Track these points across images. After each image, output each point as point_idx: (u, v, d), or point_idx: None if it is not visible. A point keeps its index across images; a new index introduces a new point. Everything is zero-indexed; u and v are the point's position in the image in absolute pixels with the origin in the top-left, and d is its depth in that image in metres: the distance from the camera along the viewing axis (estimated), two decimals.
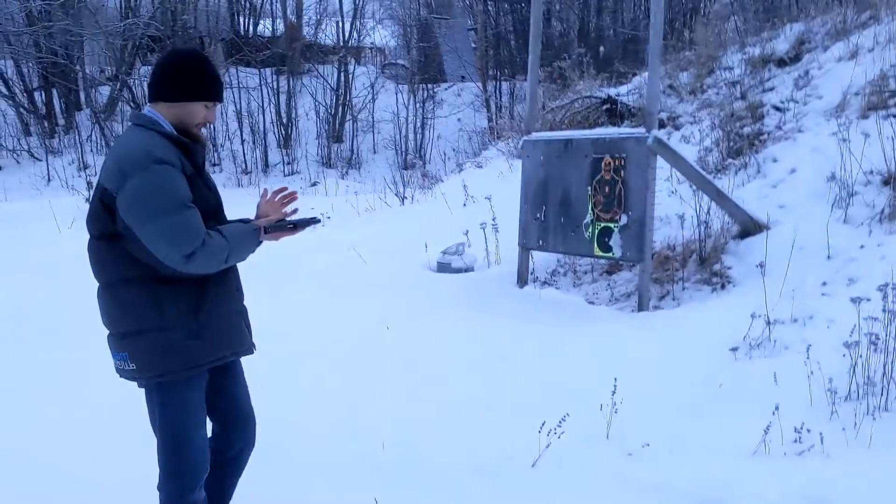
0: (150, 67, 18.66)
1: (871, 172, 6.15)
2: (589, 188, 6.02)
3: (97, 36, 17.60)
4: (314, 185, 15.43)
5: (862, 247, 5.54)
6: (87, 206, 8.76)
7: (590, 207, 6.02)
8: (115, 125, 17.03)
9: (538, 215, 6.44)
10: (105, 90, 18.37)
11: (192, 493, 2.74)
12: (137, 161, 2.47)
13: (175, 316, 2.57)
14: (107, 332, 2.71)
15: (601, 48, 12.89)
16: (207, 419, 2.83)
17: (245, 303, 2.93)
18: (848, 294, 5.07)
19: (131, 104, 18.01)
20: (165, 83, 2.62)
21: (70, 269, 7.32)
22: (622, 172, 5.77)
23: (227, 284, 2.74)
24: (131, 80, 18.13)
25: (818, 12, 9.67)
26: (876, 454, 3.44)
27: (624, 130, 6.42)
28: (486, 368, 4.78)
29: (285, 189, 2.92)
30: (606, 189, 5.89)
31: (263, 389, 4.29)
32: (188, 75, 2.62)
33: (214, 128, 16.82)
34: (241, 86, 17.78)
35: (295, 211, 2.90)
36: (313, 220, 2.90)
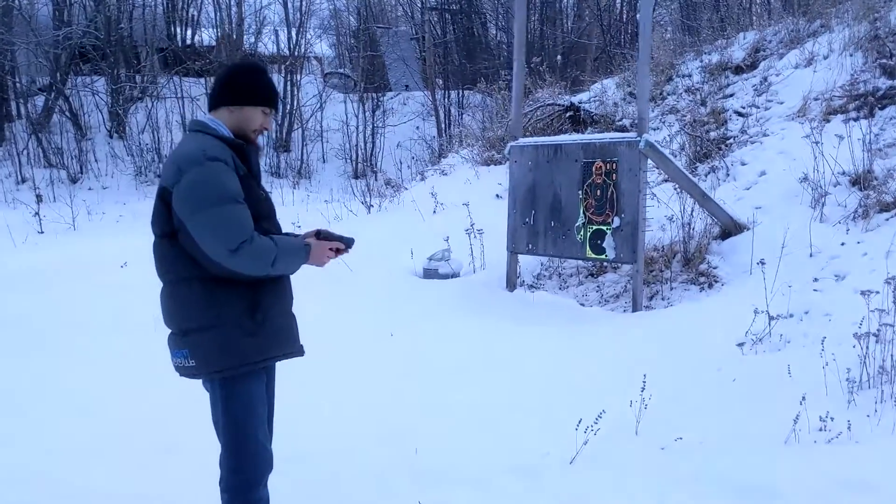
0: (86, 77, 18.22)
1: (843, 174, 6.44)
2: (580, 192, 6.14)
3: (31, 45, 17.01)
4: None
5: (843, 244, 5.80)
6: (35, 219, 8.49)
7: (581, 211, 6.14)
8: (52, 136, 16.44)
9: (527, 220, 6.53)
10: (39, 101, 17.74)
11: (257, 489, 2.80)
12: (193, 158, 2.61)
13: (232, 314, 2.65)
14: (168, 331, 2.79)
15: (558, 57, 13.10)
16: None
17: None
18: (838, 289, 5.33)
19: (68, 115, 17.45)
20: (227, 89, 2.80)
21: (34, 281, 7.14)
22: (614, 176, 5.91)
23: (282, 287, 2.83)
24: (67, 90, 17.56)
25: (771, 21, 10.08)
26: None
27: (615, 135, 6.57)
28: (503, 370, 4.83)
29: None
30: (598, 192, 6.02)
31: (280, 401, 4.29)
32: (248, 82, 2.81)
33: (159, 139, 16.43)
34: (183, 95, 17.43)
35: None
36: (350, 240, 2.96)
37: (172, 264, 2.69)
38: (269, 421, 2.99)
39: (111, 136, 17.39)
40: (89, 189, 15.23)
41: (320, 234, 2.88)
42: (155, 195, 2.75)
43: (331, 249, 2.88)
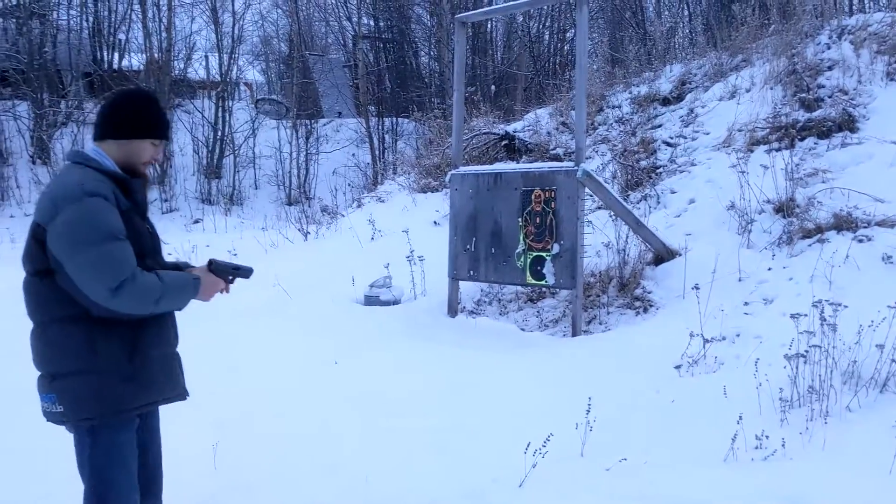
0: (6, 102, 17.68)
1: (768, 202, 6.74)
2: (520, 219, 6.27)
3: None
4: (196, 222, 15.03)
5: (769, 269, 6.07)
6: None
7: (521, 238, 6.27)
8: None
9: (468, 246, 6.63)
10: None
11: None
12: (69, 194, 2.45)
13: (109, 358, 2.52)
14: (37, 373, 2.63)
15: (492, 87, 13.34)
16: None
17: (179, 347, 2.87)
18: (767, 312, 5.58)
19: None
20: (114, 122, 2.64)
21: None
22: (553, 204, 6.06)
23: (164, 327, 2.70)
24: None
25: (695, 55, 10.50)
26: (831, 454, 3.80)
27: (554, 164, 6.75)
28: (448, 396, 4.87)
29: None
30: (537, 220, 6.16)
31: (227, 432, 4.27)
32: (137, 114, 2.65)
33: None
34: None
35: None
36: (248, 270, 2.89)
37: (46, 304, 2.53)
38: (154, 465, 2.86)
39: (34, 162, 16.91)
40: (11, 217, 14.78)
41: (212, 265, 2.79)
42: (28, 230, 2.56)
43: (225, 282, 2.79)
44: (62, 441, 2.75)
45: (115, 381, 2.51)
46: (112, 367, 2.51)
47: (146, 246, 2.62)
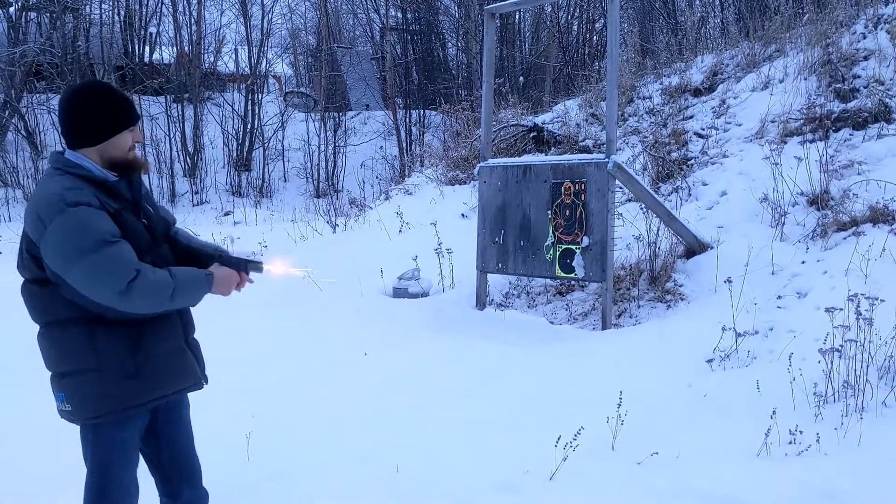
0: (41, 95, 17.94)
1: (801, 194, 6.65)
2: (549, 212, 6.25)
3: None
4: (227, 214, 15.16)
5: (803, 262, 5.99)
6: None
7: (550, 230, 6.25)
8: (7, 155, 16.17)
9: (497, 239, 6.62)
10: None
11: None
12: (52, 207, 2.41)
13: (111, 356, 2.52)
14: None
15: (521, 78, 13.29)
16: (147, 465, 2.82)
17: (199, 335, 2.87)
18: (801, 306, 5.50)
19: (23, 133, 17.20)
20: (82, 130, 2.56)
21: None
22: (583, 196, 6.03)
23: (168, 321, 2.67)
24: (23, 108, 17.30)
25: (727, 46, 10.38)
26: (867, 450, 3.76)
27: (584, 156, 6.71)
28: (479, 388, 4.88)
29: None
30: (567, 212, 6.13)
31: (259, 422, 4.32)
32: (101, 114, 2.56)
33: None
34: (142, 114, 17.27)
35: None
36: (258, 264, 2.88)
37: (46, 307, 2.54)
38: (186, 455, 2.88)
39: None
40: None
41: (221, 258, 2.77)
42: (20, 240, 2.57)
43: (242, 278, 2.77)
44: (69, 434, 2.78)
45: (118, 380, 2.52)
46: (114, 366, 2.52)
47: (143, 243, 2.59)
